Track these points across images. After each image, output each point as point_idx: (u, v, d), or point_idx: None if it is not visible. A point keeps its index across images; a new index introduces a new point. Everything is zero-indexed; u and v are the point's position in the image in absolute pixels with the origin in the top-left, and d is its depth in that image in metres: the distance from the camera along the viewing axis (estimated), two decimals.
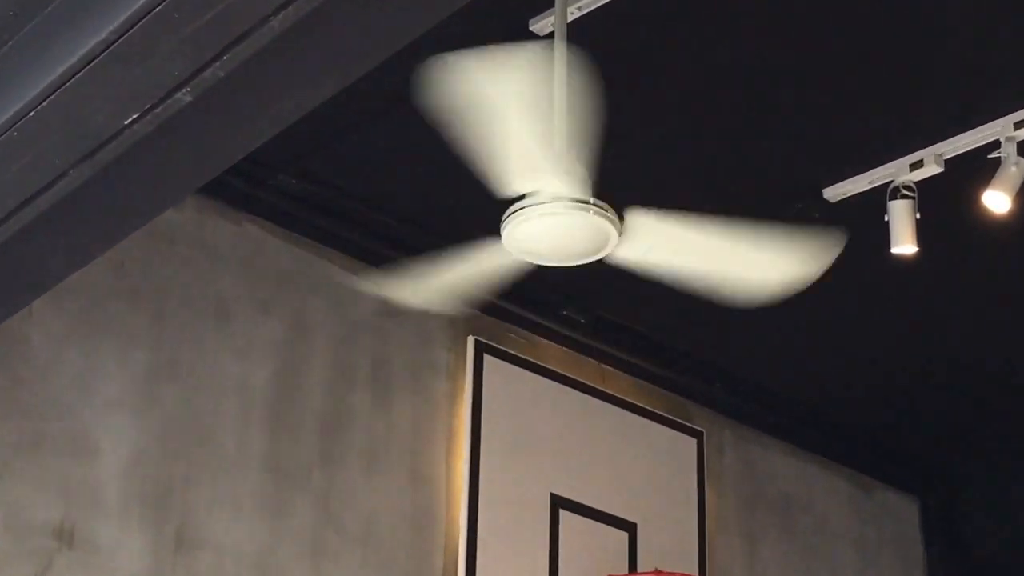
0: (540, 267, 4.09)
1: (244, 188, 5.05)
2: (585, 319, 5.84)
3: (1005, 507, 6.94)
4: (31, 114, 2.42)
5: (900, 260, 4.96)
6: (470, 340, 5.54)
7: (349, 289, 5.30)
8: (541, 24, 4.44)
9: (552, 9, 4.22)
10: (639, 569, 5.62)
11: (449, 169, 4.72)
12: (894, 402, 6.49)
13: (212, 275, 5.00)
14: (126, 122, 2.40)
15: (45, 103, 2.42)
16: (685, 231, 3.91)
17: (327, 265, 5.29)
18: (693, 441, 6.11)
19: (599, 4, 4.29)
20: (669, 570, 5.55)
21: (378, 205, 5.27)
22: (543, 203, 3.71)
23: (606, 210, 3.75)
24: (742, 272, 4.10)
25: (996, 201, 4.74)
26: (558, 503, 5.55)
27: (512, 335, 5.70)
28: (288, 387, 5.07)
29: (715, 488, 6.14)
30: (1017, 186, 4.71)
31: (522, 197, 3.72)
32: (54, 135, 2.48)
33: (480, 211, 3.78)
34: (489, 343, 5.59)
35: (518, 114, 3.47)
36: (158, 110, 2.38)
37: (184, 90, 2.34)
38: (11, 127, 2.46)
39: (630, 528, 5.72)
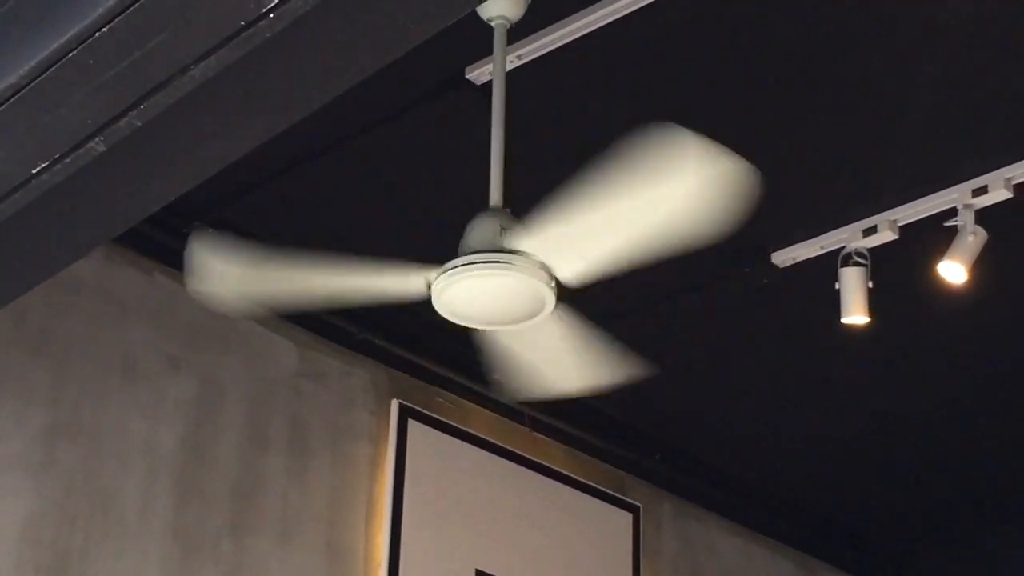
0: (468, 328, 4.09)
1: (156, 236, 5.03)
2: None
3: None
4: None
5: (851, 330, 5.00)
6: (394, 403, 5.54)
7: (266, 346, 5.29)
8: (477, 73, 4.47)
9: (489, 57, 4.25)
10: None
11: (372, 222, 4.77)
12: (840, 481, 6.55)
13: (119, 329, 4.98)
14: (33, 171, 2.41)
15: None
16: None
17: (243, 320, 5.27)
18: (629, 516, 6.13)
19: (538, 54, 4.33)
20: None
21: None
22: (474, 263, 3.71)
23: (542, 270, 3.76)
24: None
25: (952, 271, 4.80)
26: None
27: (439, 399, 5.70)
28: (198, 450, 5.04)
29: (652, 566, 6.16)
30: (974, 256, 4.77)
31: (452, 256, 3.73)
32: None
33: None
34: (414, 407, 5.59)
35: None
36: (68, 159, 2.38)
37: (97, 139, 2.35)
38: None
39: None
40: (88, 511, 4.74)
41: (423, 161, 4.87)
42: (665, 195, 3.46)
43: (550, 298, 3.79)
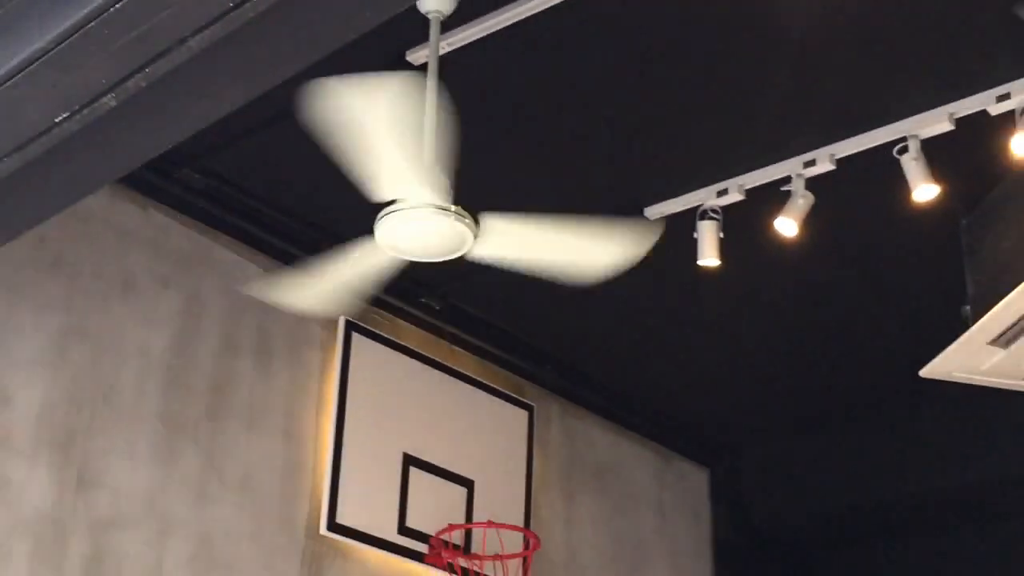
0: (406, 261, 4.08)
1: (152, 179, 4.97)
2: (440, 306, 5.85)
3: (775, 476, 7.12)
4: None
5: (706, 270, 5.03)
6: (341, 319, 5.50)
7: (239, 270, 5.24)
8: (416, 55, 4.42)
9: (427, 43, 4.21)
10: (474, 520, 5.64)
11: (331, 175, 4.67)
12: (691, 387, 6.59)
13: (120, 252, 4.92)
14: (56, 120, 2.36)
15: None
16: (527, 231, 3.93)
17: (221, 249, 5.23)
18: (525, 413, 6.15)
19: (466, 41, 4.29)
20: (500, 522, 5.60)
21: (268, 201, 5.23)
22: (410, 208, 3.70)
23: (464, 216, 3.75)
24: (572, 260, 4.12)
25: (786, 226, 4.84)
26: (409, 461, 5.55)
27: (377, 316, 5.68)
28: (182, 352, 5.00)
29: (542, 454, 6.19)
30: (803, 215, 4.81)
31: (393, 202, 3.71)
32: None
33: (357, 212, 3.74)
34: (357, 322, 5.56)
35: (390, 133, 3.45)
36: (85, 111, 2.35)
37: (109, 96, 2.31)
38: None
39: (468, 484, 5.73)
40: (92, 399, 4.69)
41: None
42: None
43: (470, 237, 3.79)
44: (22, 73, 2.31)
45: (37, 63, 2.28)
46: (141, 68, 2.23)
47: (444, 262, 4.01)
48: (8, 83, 2.34)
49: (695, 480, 6.99)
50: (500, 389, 6.07)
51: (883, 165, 4.64)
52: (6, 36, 2.29)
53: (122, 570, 4.59)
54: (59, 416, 4.58)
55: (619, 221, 5.19)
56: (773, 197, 4.87)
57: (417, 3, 4.05)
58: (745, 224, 4.98)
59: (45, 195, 2.66)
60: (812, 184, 4.79)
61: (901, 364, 5.90)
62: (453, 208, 3.72)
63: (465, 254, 3.91)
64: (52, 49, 2.23)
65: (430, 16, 4.05)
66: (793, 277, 5.54)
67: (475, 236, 3.81)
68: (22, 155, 2.42)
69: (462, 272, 5.50)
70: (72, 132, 2.37)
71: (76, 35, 2.22)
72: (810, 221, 4.81)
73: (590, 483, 6.41)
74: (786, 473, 7.09)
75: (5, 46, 2.31)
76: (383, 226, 3.73)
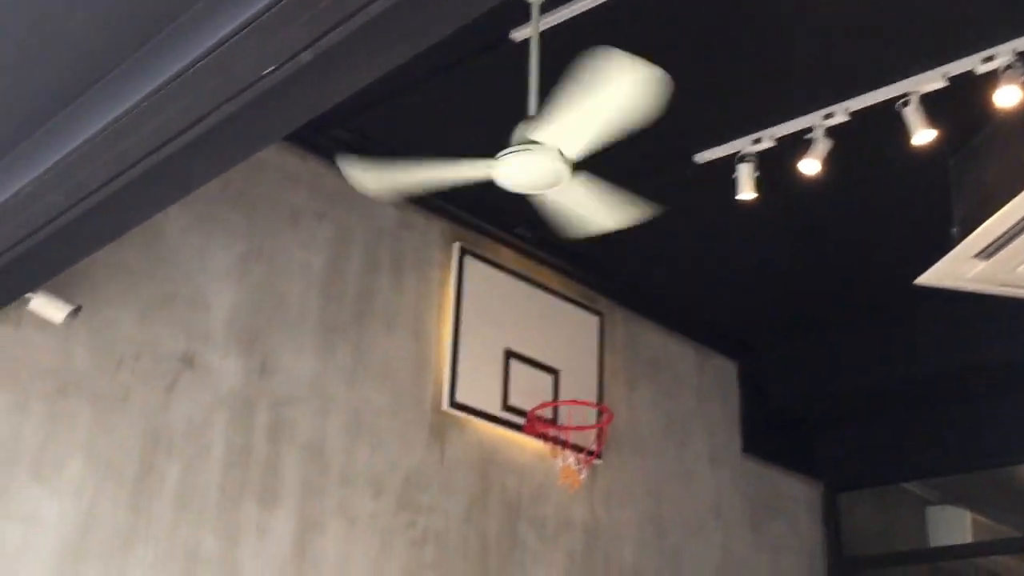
0: (505, 198, 3.98)
1: (309, 135, 4.94)
2: (531, 235, 5.80)
3: (789, 366, 7.03)
4: (197, 65, 2.33)
5: (743, 204, 4.94)
6: (456, 245, 5.47)
7: (378, 207, 5.21)
8: (517, 33, 4.33)
9: (528, 23, 4.12)
10: (560, 398, 5.62)
11: (449, 139, 4.57)
12: (724, 296, 6.51)
13: (287, 191, 4.90)
14: (263, 73, 2.32)
15: (207, 58, 2.33)
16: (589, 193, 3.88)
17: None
18: (596, 319, 6.10)
19: (561, 20, 4.19)
20: (580, 400, 5.59)
21: (401, 152, 5.17)
22: (528, 147, 3.63)
23: (564, 159, 3.67)
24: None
25: (810, 166, 4.73)
26: (509, 354, 5.53)
27: (483, 243, 5.64)
28: (336, 271, 4.99)
29: (610, 350, 6.15)
30: (823, 155, 4.70)
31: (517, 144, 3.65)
32: (210, 81, 2.38)
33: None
34: (469, 248, 5.53)
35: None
36: (286, 66, 2.29)
37: (307, 51, 2.25)
38: (182, 74, 2.36)
39: (555, 373, 5.70)
40: (268, 306, 4.70)
41: (481, 87, 4.73)
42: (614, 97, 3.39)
43: (564, 170, 3.71)
44: (235, 36, 2.26)
45: (248, 28, 2.23)
46: (332, 28, 2.18)
47: (536, 198, 3.94)
48: (223, 45, 2.30)
49: (726, 370, 6.92)
50: (578, 299, 6.02)
51: (888, 117, 4.52)
52: (224, 3, 2.25)
53: (295, 435, 4.62)
54: (244, 319, 4.59)
55: (672, 166, 5.17)
56: (798, 144, 4.76)
57: None
58: (775, 165, 4.88)
59: (248, 138, 2.63)
60: (830, 132, 4.68)
61: (898, 275, 5.81)
62: (559, 150, 3.65)
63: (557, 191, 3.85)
64: (261, 15, 2.18)
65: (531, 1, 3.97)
66: (812, 208, 5.42)
67: (568, 168, 3.75)
68: (233, 104, 2.38)
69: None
70: (276, 82, 2.32)
71: (279, 5, 2.17)
72: (828, 162, 4.70)
73: (646, 373, 6.36)
74: (798, 364, 6.99)
75: (221, 13, 2.27)
76: (498, 168, 3.67)
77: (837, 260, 6.00)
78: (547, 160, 3.65)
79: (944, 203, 4.51)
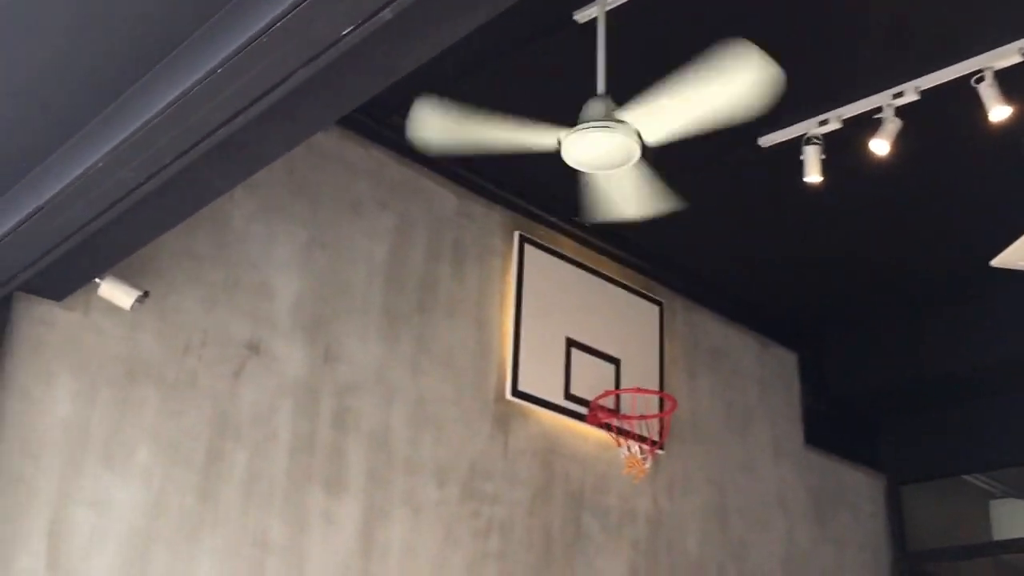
0: (565, 186, 3.83)
1: (371, 124, 4.85)
2: (589, 225, 5.67)
3: (848, 358, 6.84)
4: (273, 28, 2.22)
5: (807, 188, 4.78)
6: (515, 234, 5.35)
7: (439, 196, 5.11)
8: (582, 14, 4.21)
9: (594, 2, 4.00)
10: (622, 387, 5.49)
11: (513, 103, 4.41)
12: (784, 288, 6.36)
13: (350, 182, 4.81)
14: (343, 33, 2.21)
15: (284, 19, 2.22)
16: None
17: (424, 180, 5.10)
18: (656, 308, 5.95)
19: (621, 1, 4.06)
20: (642, 388, 5.46)
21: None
22: (590, 127, 3.51)
23: (634, 131, 3.54)
24: None
25: (879, 147, 4.56)
26: (571, 343, 5.40)
27: (543, 231, 5.52)
28: (398, 259, 4.89)
29: (670, 339, 6.00)
30: (893, 137, 4.54)
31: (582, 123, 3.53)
32: (287, 44, 2.27)
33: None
34: (529, 236, 5.41)
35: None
36: (366, 25, 2.18)
37: (387, 9, 2.14)
38: (257, 38, 2.26)
39: (616, 362, 5.57)
40: (332, 294, 4.61)
41: (543, 69, 4.61)
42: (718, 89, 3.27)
43: (636, 151, 3.59)
44: None
45: None
46: None
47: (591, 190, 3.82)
48: (300, 6, 2.19)
49: (787, 361, 6.74)
50: (638, 288, 5.88)
51: (957, 96, 4.34)
52: None
53: (360, 423, 4.52)
54: (309, 307, 4.50)
55: (736, 149, 5.02)
56: (868, 125, 4.58)
57: None
58: (841, 148, 4.71)
59: (327, 103, 2.52)
60: (899, 112, 4.50)
61: (964, 262, 5.61)
62: (623, 125, 3.52)
63: (628, 166, 3.72)
64: None
65: None
66: (876, 193, 5.25)
67: (640, 149, 3.62)
68: (313, 66, 2.27)
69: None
70: (355, 43, 2.21)
71: None
72: (898, 142, 4.53)
73: (707, 363, 6.20)
74: (859, 354, 6.80)
75: None
76: (566, 142, 3.55)
77: (899, 249, 5.81)
78: (624, 139, 3.53)
79: (1017, 184, 4.34)
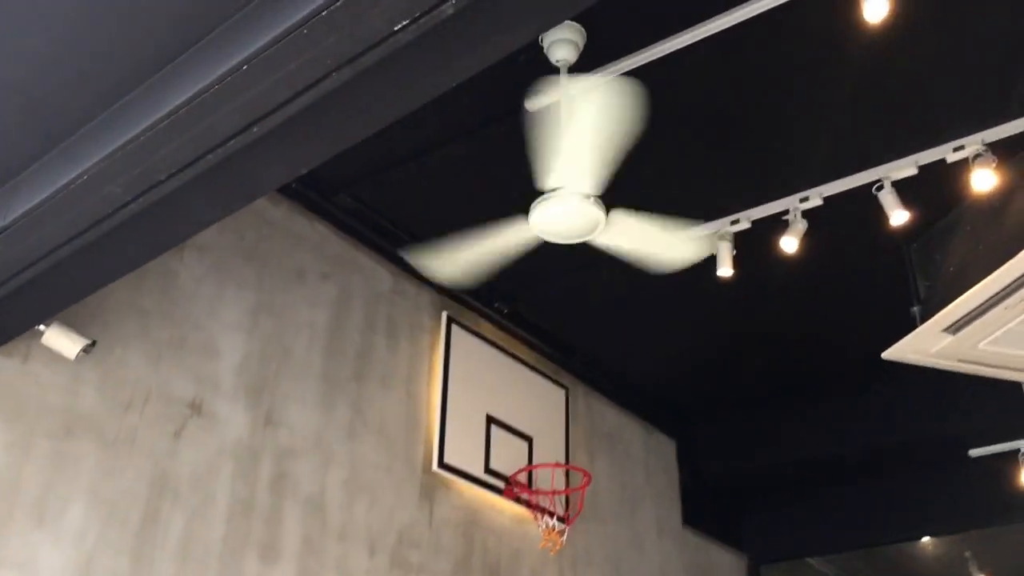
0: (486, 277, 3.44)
1: (317, 199, 4.33)
2: (507, 311, 5.23)
3: (720, 444, 6.52)
4: (323, 13, 1.73)
5: (706, 285, 4.45)
6: (444, 314, 4.86)
7: (376, 272, 4.59)
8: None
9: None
10: (534, 462, 4.97)
11: (450, 209, 4.02)
12: (667, 378, 6.03)
13: (295, 251, 4.24)
14: (395, 28, 1.73)
15: (334, 6, 1.73)
16: (636, 227, 3.36)
17: (364, 256, 4.57)
18: (563, 391, 5.51)
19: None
20: (560, 463, 4.96)
21: (397, 222, 4.59)
22: (564, 194, 3.10)
23: (601, 206, 3.16)
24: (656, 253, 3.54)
25: (788, 244, 4.31)
26: (490, 420, 4.88)
27: (467, 313, 5.03)
28: (338, 328, 4.32)
29: (574, 422, 5.55)
30: (800, 236, 4.29)
31: (553, 190, 3.11)
32: (335, 34, 1.77)
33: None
34: (455, 318, 4.91)
35: (585, 132, 2.84)
36: (424, 19, 1.71)
37: (450, 3, 1.68)
38: (301, 26, 1.76)
39: (529, 440, 5.07)
40: (275, 358, 3.98)
41: (482, 159, 4.21)
42: None
43: (596, 211, 3.18)
44: None
45: None
46: None
47: (507, 277, 3.42)
48: (318, 16, 1.71)
49: (667, 446, 6.37)
50: (548, 373, 5.43)
51: (852, 204, 4.15)
52: None
53: (298, 487, 3.86)
54: (253, 369, 3.87)
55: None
56: (776, 225, 4.32)
57: (547, 53, 3.50)
58: (753, 246, 4.43)
59: (379, 104, 1.96)
60: (805, 215, 4.28)
61: (835, 356, 5.40)
62: (594, 198, 3.13)
63: (592, 238, 3.32)
64: None
65: (559, 63, 3.50)
66: (784, 281, 4.94)
67: (604, 224, 3.23)
68: (358, 64, 1.78)
69: (521, 284, 4.93)
70: (407, 41, 1.73)
71: None
72: (804, 241, 4.27)
73: (603, 446, 5.77)
74: (727, 440, 6.49)
75: None
76: (539, 208, 3.13)
77: (774, 347, 5.53)
78: (575, 202, 3.13)
79: (885, 289, 4.14)
